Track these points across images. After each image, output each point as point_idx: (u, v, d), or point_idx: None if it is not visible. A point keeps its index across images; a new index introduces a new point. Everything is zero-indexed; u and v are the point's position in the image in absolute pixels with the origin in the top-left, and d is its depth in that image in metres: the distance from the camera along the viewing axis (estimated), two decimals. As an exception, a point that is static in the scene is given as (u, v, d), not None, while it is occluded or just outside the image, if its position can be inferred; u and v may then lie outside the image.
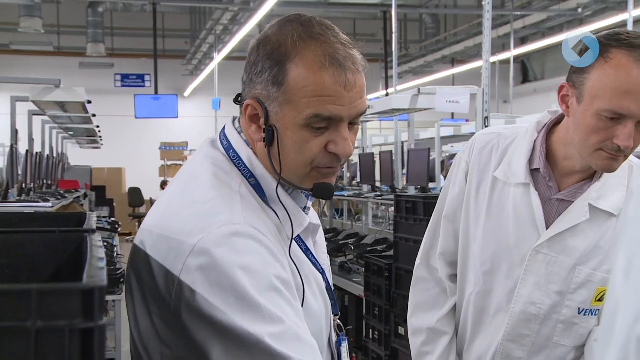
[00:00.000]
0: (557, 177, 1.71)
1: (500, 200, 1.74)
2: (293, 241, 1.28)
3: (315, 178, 1.26)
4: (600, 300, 1.69)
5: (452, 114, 10.84)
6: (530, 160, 1.72)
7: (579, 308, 1.70)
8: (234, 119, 1.35)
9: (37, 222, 1.49)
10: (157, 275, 1.18)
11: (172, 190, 1.31)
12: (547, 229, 1.69)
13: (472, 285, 1.81)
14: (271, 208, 1.26)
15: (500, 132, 1.82)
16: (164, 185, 15.06)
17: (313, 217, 1.38)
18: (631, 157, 1.69)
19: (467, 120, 9.91)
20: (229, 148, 1.30)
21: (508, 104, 14.34)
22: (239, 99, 1.30)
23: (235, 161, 1.28)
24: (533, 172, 1.72)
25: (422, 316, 1.91)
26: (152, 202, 14.39)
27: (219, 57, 12.93)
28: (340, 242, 5.76)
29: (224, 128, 1.35)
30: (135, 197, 15.96)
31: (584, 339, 1.73)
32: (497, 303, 1.76)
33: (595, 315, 1.71)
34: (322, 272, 1.36)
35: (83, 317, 0.63)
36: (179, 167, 15.85)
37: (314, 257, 1.35)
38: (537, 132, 1.74)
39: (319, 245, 1.42)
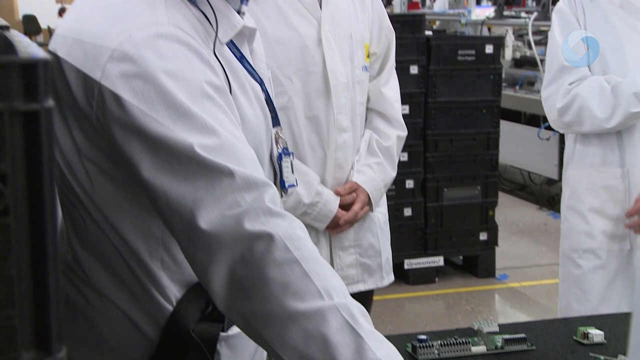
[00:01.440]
0: None
1: (277, 17, 1.95)
2: (225, 46, 1.16)
3: None
4: (368, 56, 2.10)
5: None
6: None
7: (362, 66, 2.08)
8: None
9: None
10: (73, 84, 1.06)
11: None
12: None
13: (301, 114, 2.01)
14: (199, 9, 1.13)
15: None
16: (62, 12, 14.24)
17: (249, 21, 1.26)
18: None
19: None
20: None
21: None
22: None
23: None
24: None
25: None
26: (49, 30, 13.61)
27: None
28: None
29: None
30: (31, 25, 15.10)
31: (367, 93, 2.14)
32: (318, 92, 2.00)
33: (368, 71, 2.12)
34: (261, 82, 1.26)
35: (25, 97, 0.53)
36: (77, -7, 15.00)
37: (251, 65, 1.24)
38: None
39: (257, 54, 1.31)
